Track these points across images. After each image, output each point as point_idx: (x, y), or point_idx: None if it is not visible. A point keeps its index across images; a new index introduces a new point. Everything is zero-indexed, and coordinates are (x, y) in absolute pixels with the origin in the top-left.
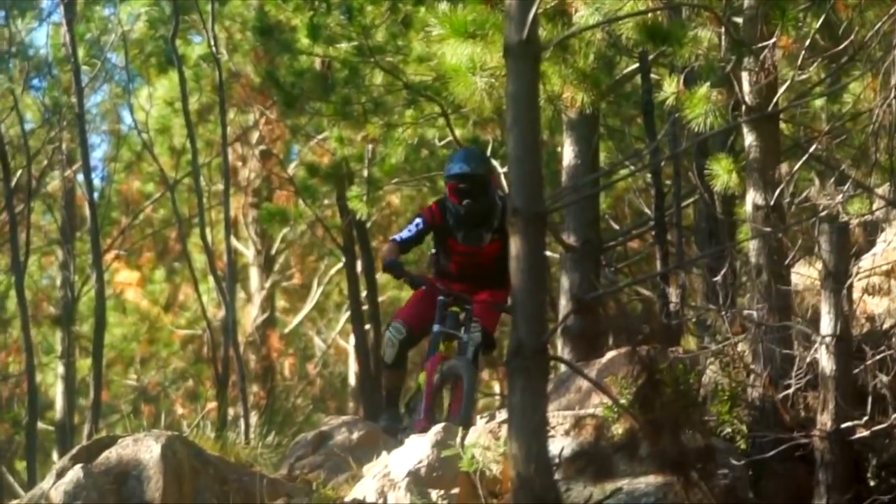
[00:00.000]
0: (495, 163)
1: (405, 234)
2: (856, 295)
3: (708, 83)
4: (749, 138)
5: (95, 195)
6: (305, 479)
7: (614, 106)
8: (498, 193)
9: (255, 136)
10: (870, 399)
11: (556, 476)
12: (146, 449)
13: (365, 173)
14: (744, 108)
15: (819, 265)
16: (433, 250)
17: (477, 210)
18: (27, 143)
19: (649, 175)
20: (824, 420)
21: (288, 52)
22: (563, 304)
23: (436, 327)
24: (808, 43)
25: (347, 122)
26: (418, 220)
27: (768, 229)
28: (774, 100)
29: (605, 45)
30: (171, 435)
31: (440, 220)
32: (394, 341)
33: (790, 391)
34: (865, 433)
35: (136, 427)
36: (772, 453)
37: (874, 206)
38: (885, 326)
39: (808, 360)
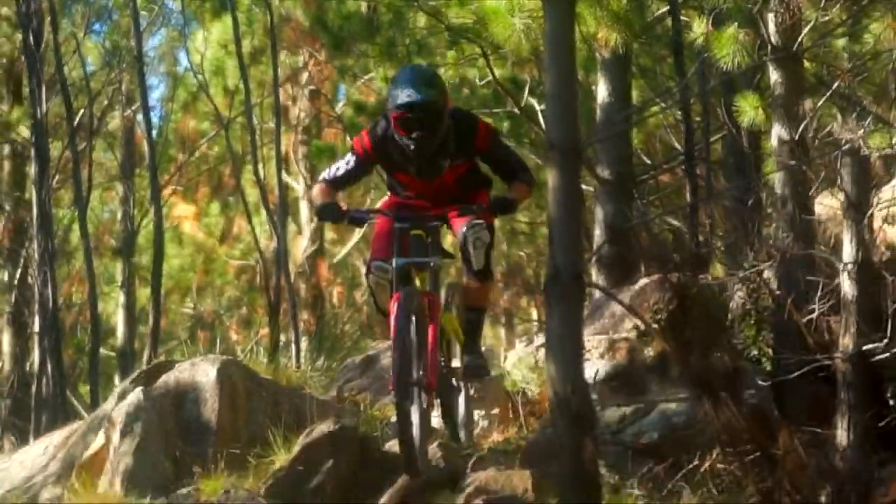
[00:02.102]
0: (532, 101)
1: (334, 171)
2: (876, 224)
3: (735, 24)
4: (774, 76)
5: (154, 133)
6: (353, 400)
7: (646, 46)
8: (449, 110)
9: (304, 76)
10: (889, 323)
11: (592, 396)
12: (203, 372)
13: None
14: (769, 47)
15: (841, 196)
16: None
17: (429, 143)
18: (89, 85)
19: (679, 112)
20: (846, 343)
21: None
22: (598, 234)
23: (395, 261)
24: None
25: (392, 62)
26: (350, 156)
27: (793, 162)
28: (798, 39)
29: None
30: (227, 359)
31: (374, 153)
32: (383, 284)
33: (813, 315)
34: (885, 355)
35: (193, 352)
36: (796, 374)
37: (894, 140)
38: None
39: (830, 286)
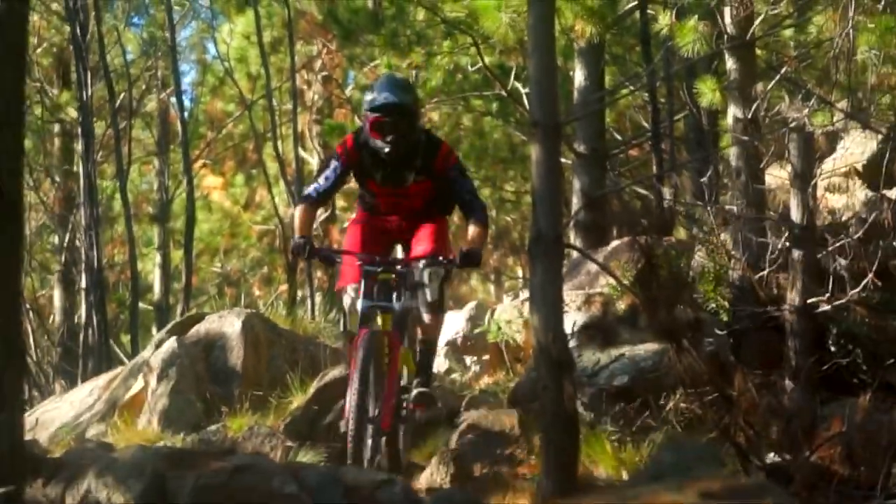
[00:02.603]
0: (518, 85)
1: (322, 183)
2: (819, 193)
3: (696, 17)
4: (730, 62)
5: (185, 114)
6: None
7: (617, 36)
8: (422, 128)
9: (318, 64)
10: (831, 279)
11: (570, 344)
12: (229, 324)
13: None
14: (726, 37)
15: (789, 168)
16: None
17: (403, 149)
18: (129, 71)
19: (646, 94)
20: (793, 297)
21: None
22: (575, 202)
23: (362, 303)
24: None
25: (395, 51)
26: (335, 162)
27: (746, 138)
28: (751, 30)
29: None
30: (250, 312)
31: (356, 158)
32: (357, 306)
33: (765, 273)
34: (827, 307)
35: (221, 306)
36: (749, 325)
37: (835, 119)
38: (844, 218)
39: (779, 246)
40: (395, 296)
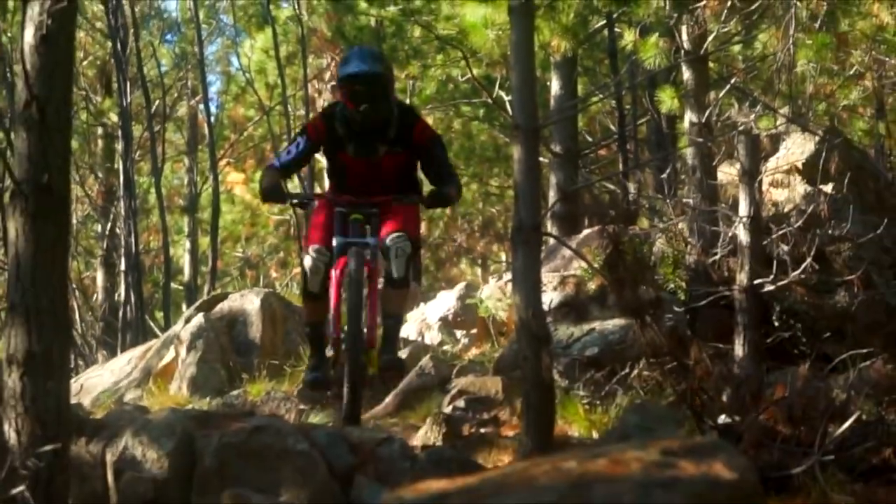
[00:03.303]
0: (502, 93)
1: (284, 157)
2: (764, 187)
3: (657, 34)
4: (686, 74)
5: (212, 119)
6: None
7: (588, 51)
8: (395, 101)
9: (327, 74)
10: (775, 263)
11: (547, 319)
12: (249, 302)
13: (407, 101)
14: (683, 51)
15: (738, 166)
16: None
17: (375, 116)
18: (163, 81)
19: (614, 101)
20: (741, 279)
21: (351, 14)
22: (552, 195)
23: (337, 239)
24: (729, 4)
25: (395, 63)
26: (300, 138)
27: (700, 140)
28: (705, 46)
29: (582, 6)
30: (268, 291)
31: (325, 132)
32: (318, 267)
33: (717, 257)
34: (772, 288)
35: (242, 286)
36: (703, 303)
37: (777, 123)
38: (786, 210)
39: (730, 234)
40: (368, 233)
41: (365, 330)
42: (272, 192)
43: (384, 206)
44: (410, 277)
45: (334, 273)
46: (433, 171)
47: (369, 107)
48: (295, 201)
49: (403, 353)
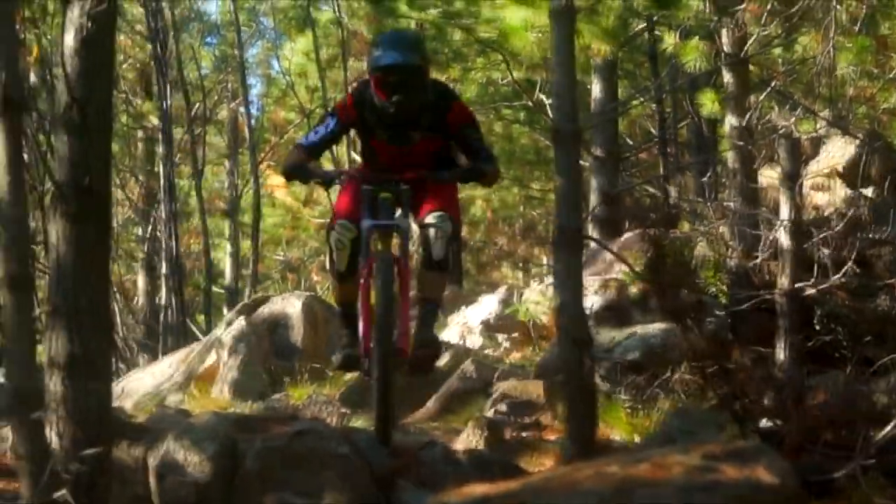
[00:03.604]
0: (542, 96)
1: (312, 136)
2: (805, 191)
3: (697, 37)
4: (727, 77)
5: (252, 122)
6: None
7: (629, 54)
8: (430, 84)
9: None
10: (816, 267)
11: (589, 323)
12: (291, 305)
13: None
14: (723, 55)
15: (778, 169)
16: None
17: (408, 107)
18: (203, 84)
19: (655, 104)
20: (783, 282)
21: (392, 16)
22: (593, 199)
23: (366, 223)
24: (769, 7)
25: (435, 66)
26: (330, 120)
27: (741, 143)
28: (745, 49)
29: (623, 9)
30: (309, 295)
31: (356, 117)
32: (343, 242)
33: (758, 261)
34: (813, 291)
35: (284, 289)
36: (745, 306)
37: (818, 126)
38: (826, 213)
39: (771, 238)
40: (398, 213)
41: (395, 338)
42: (295, 171)
43: (417, 185)
44: (450, 260)
45: (363, 273)
46: (469, 153)
47: (403, 98)
48: (319, 180)
49: (444, 358)
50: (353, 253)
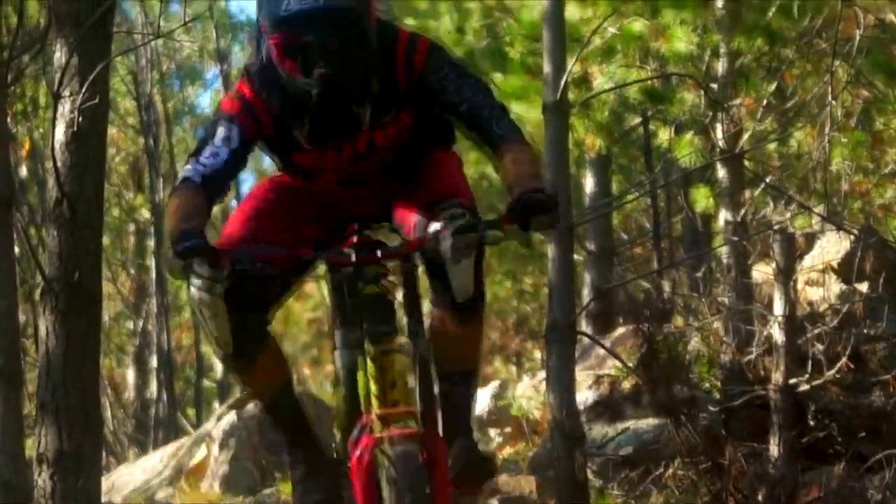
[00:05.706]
0: None
1: (209, 160)
2: (800, 286)
3: (691, 132)
4: (721, 172)
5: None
6: None
7: (623, 148)
8: (381, 24)
9: None
10: (810, 363)
11: (581, 419)
12: None
13: None
14: (718, 150)
15: (773, 265)
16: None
17: (348, 84)
18: None
19: (649, 199)
20: (777, 378)
21: None
22: (586, 294)
23: (339, 355)
24: (764, 102)
25: None
26: (223, 128)
27: (736, 238)
28: (740, 144)
29: (617, 104)
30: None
31: (267, 118)
32: (209, 300)
33: (752, 357)
34: (807, 387)
35: None
36: (738, 402)
37: (813, 221)
38: (821, 309)
39: (765, 334)
40: (403, 313)
41: None
42: (190, 252)
43: (390, 181)
44: (484, 293)
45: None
46: (465, 124)
47: (335, 69)
48: (244, 264)
49: None
50: (236, 317)
